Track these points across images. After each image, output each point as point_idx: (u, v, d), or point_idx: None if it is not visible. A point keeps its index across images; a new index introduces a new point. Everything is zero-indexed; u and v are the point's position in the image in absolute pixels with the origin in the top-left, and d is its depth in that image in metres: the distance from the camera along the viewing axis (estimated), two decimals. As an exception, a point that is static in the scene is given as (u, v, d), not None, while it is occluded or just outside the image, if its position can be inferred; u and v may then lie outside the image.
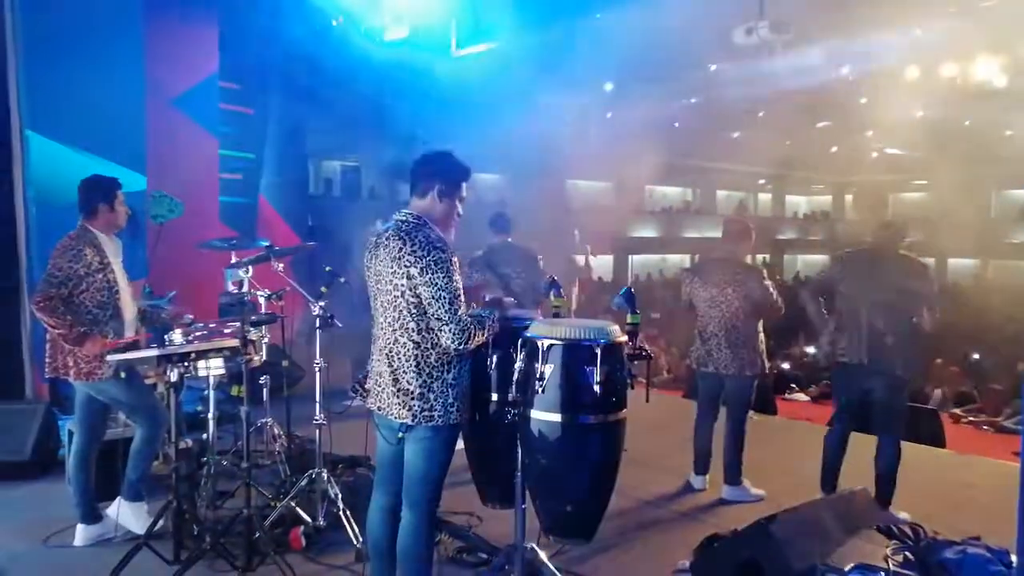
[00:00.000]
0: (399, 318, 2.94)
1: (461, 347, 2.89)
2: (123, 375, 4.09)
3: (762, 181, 34.37)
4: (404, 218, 3.02)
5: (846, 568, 3.04)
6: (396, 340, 2.95)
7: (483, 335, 2.98)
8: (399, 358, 2.94)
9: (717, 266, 5.18)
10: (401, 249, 2.90)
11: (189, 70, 7.65)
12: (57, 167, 6.10)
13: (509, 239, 5.80)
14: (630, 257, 27.94)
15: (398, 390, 2.94)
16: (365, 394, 3.16)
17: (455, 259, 2.95)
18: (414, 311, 2.91)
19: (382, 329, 3.01)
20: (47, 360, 4.11)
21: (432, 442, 2.97)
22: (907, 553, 3.37)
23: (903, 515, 4.55)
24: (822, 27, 10.83)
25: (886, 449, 4.70)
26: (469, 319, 2.90)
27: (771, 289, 5.05)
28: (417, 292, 2.89)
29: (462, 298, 2.91)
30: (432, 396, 2.93)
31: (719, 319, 5.05)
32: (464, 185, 3.13)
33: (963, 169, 22.43)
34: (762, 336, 5.14)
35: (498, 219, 5.86)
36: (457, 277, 2.92)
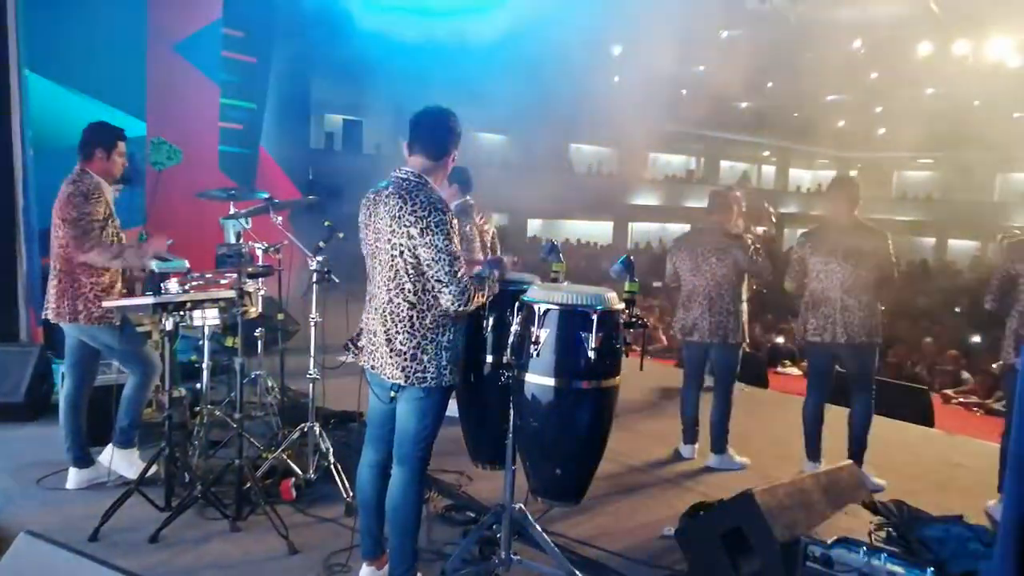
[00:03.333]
0: (395, 278, 2.92)
1: (461, 308, 2.89)
2: (117, 322, 4.10)
3: (767, 153, 34.20)
4: (405, 176, 2.98)
5: (829, 541, 3.07)
6: (392, 300, 2.94)
7: (483, 296, 2.98)
8: (394, 318, 2.94)
9: (702, 237, 5.24)
10: (401, 208, 2.88)
11: (192, 15, 7.52)
12: (56, 109, 6.03)
13: (469, 198, 5.62)
14: (630, 224, 27.90)
15: (392, 351, 2.93)
16: (358, 351, 3.16)
17: (455, 220, 2.93)
18: (412, 271, 2.89)
19: (378, 288, 3.00)
20: (52, 305, 4.08)
21: (424, 402, 2.97)
22: (890, 529, 3.41)
23: (879, 480, 4.66)
24: (836, -1, 10.69)
25: (856, 409, 4.87)
26: (469, 280, 2.89)
27: (756, 257, 5.08)
28: (416, 253, 2.87)
29: (462, 260, 2.90)
30: (426, 358, 2.92)
31: (703, 289, 5.09)
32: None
33: (969, 150, 22.32)
34: (745, 306, 5.19)
35: (460, 174, 5.43)
36: (457, 238, 2.90)
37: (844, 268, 4.70)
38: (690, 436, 5.35)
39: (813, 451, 4.94)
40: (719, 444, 5.15)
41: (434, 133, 3.03)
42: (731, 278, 5.05)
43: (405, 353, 2.91)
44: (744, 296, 5.16)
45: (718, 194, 5.38)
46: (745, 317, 5.17)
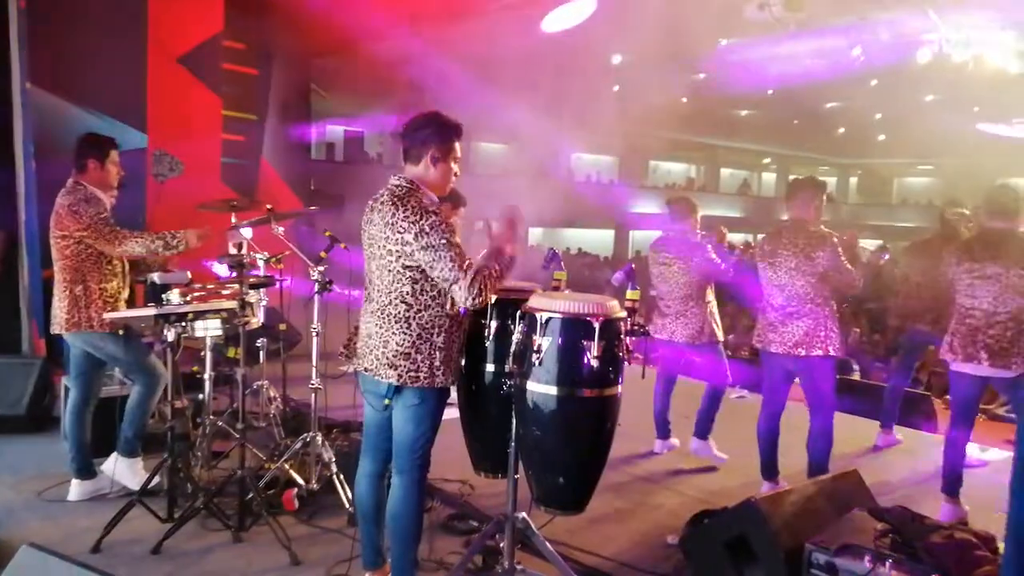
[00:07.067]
0: (393, 281, 2.94)
1: (477, 300, 2.86)
2: (121, 332, 4.11)
3: (767, 160, 34.23)
4: (398, 183, 3.01)
5: (833, 548, 3.06)
6: (389, 303, 2.95)
7: (492, 284, 2.93)
8: (389, 320, 2.95)
9: (665, 244, 5.39)
10: (394, 215, 2.89)
11: (193, 28, 7.55)
12: (58, 122, 6.05)
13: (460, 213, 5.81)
14: (631, 233, 27.88)
15: (386, 351, 2.95)
16: (352, 355, 3.16)
17: (448, 221, 2.95)
18: (408, 274, 2.91)
19: (377, 291, 3.01)
20: (64, 316, 4.07)
21: (420, 408, 2.98)
22: (895, 535, 3.39)
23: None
24: (835, 6, 10.71)
25: (812, 430, 4.59)
26: (475, 272, 2.87)
27: (716, 259, 5.18)
28: (414, 257, 2.88)
29: (463, 253, 2.90)
30: (419, 357, 2.93)
31: (668, 292, 5.27)
32: (458, 144, 3.09)
33: (969, 156, 22.32)
34: (713, 306, 5.31)
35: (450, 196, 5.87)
36: (453, 235, 2.91)
37: (784, 274, 4.50)
38: (660, 431, 5.55)
39: (768, 467, 4.77)
40: (702, 430, 5.30)
41: (414, 140, 3.04)
42: (694, 281, 5.20)
43: (399, 352, 2.92)
44: (711, 296, 5.32)
45: (678, 200, 5.52)
46: (715, 317, 5.31)
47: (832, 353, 4.48)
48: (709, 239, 5.33)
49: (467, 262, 2.88)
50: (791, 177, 34.09)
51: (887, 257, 5.91)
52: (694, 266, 5.18)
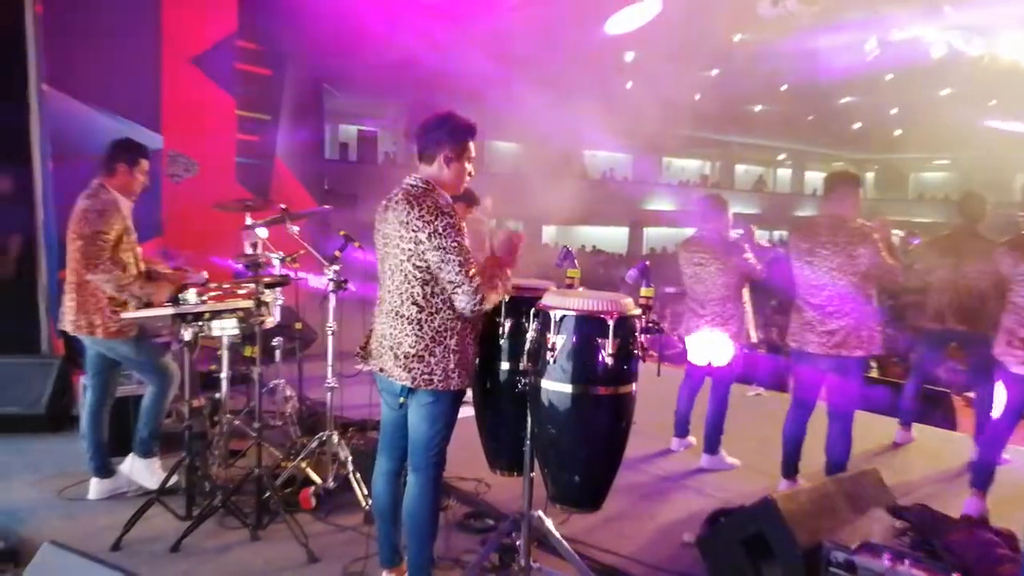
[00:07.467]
0: (405, 281, 2.94)
1: (476, 308, 2.88)
2: (133, 334, 4.13)
3: (782, 156, 34.05)
4: (414, 182, 3.01)
5: (852, 547, 3.04)
6: (401, 303, 2.95)
7: (497, 294, 2.96)
8: (402, 321, 2.95)
9: (699, 243, 5.24)
10: (409, 213, 2.89)
11: (207, 29, 7.59)
12: (74, 124, 6.09)
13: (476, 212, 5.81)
14: (645, 230, 27.83)
15: (400, 353, 2.95)
16: (368, 357, 3.16)
17: (463, 224, 2.94)
18: (420, 275, 2.90)
19: (389, 292, 3.01)
20: (70, 319, 4.11)
21: (434, 407, 2.98)
22: (915, 534, 3.36)
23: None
24: (850, 1, 10.65)
25: (831, 434, 4.50)
26: (481, 280, 2.89)
27: (752, 261, 5.08)
28: (425, 257, 2.88)
29: (472, 260, 2.90)
30: (433, 360, 2.92)
31: (704, 293, 5.13)
32: (471, 144, 3.09)
33: (985, 150, 22.14)
34: (748, 309, 5.20)
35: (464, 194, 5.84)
36: (466, 240, 2.91)
37: (825, 273, 4.34)
38: (680, 430, 5.53)
39: (788, 466, 4.69)
40: (712, 445, 5.20)
41: (427, 140, 3.04)
42: (730, 283, 5.07)
43: (412, 355, 2.92)
44: (747, 297, 5.20)
45: (709, 199, 5.41)
46: (750, 320, 5.21)
47: (873, 353, 4.37)
48: (746, 239, 5.23)
49: (473, 270, 2.88)
50: (806, 173, 33.94)
51: (916, 242, 5.74)
52: (732, 267, 5.04)
